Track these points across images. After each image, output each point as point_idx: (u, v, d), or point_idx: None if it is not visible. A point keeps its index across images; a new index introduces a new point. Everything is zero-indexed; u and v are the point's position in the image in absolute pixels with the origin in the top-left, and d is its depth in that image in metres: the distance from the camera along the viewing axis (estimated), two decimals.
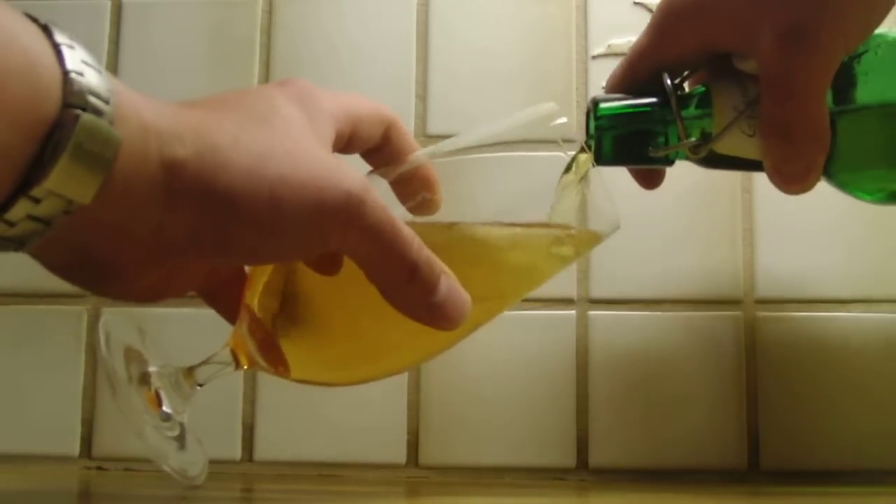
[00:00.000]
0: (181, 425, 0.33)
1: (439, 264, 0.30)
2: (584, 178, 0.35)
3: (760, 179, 0.49)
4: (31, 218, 0.24)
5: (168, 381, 0.33)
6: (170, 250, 0.28)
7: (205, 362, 0.34)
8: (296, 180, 0.27)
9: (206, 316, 0.48)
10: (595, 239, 0.36)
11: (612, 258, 0.48)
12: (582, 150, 0.36)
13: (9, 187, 0.23)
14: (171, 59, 0.52)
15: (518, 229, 0.34)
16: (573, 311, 0.48)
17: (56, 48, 0.24)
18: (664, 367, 0.47)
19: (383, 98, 0.50)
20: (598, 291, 0.48)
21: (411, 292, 0.30)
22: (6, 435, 0.49)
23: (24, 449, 0.49)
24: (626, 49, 0.50)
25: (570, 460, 0.47)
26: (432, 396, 0.48)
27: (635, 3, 0.51)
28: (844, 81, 0.35)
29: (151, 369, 0.33)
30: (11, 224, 0.24)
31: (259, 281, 0.34)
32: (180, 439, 0.33)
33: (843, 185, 0.37)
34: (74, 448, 0.49)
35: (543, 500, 0.37)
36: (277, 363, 0.34)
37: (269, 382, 0.48)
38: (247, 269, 0.35)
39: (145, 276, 0.29)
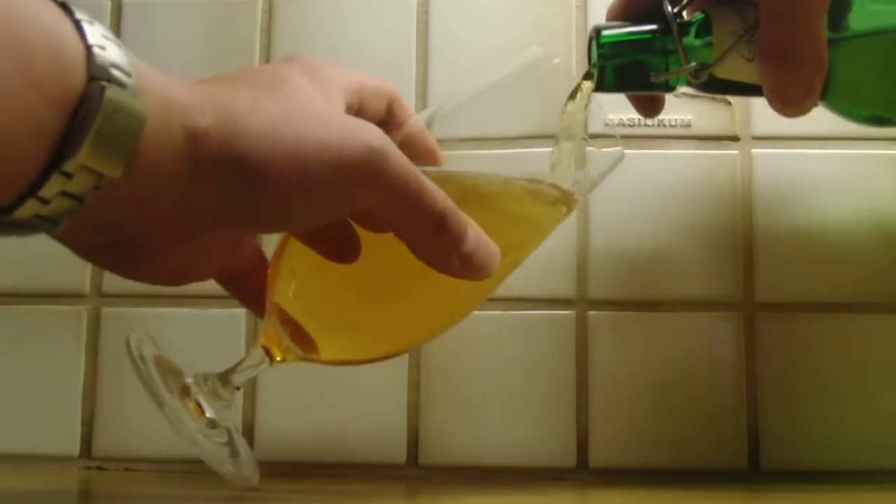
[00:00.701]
0: (227, 430, 0.34)
1: (464, 214, 0.30)
2: (587, 104, 0.37)
3: (760, 178, 0.49)
4: (63, 194, 0.24)
5: (207, 390, 0.34)
6: (198, 224, 0.28)
7: (238, 365, 0.35)
8: (316, 139, 0.28)
9: (206, 316, 0.48)
10: (593, 183, 0.38)
11: (611, 259, 0.48)
12: (585, 77, 0.36)
13: (42, 163, 0.23)
14: (171, 58, 0.52)
15: (526, 178, 0.35)
16: (573, 312, 0.48)
17: (76, 24, 0.24)
18: (664, 367, 0.47)
19: None
20: (597, 292, 0.48)
21: (441, 243, 0.30)
22: (6, 435, 0.49)
23: (24, 449, 0.49)
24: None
25: (570, 460, 0.47)
26: (432, 396, 0.48)
27: None
28: (839, 7, 0.36)
29: (188, 380, 0.34)
30: (45, 202, 0.24)
31: (281, 272, 0.34)
32: (230, 444, 0.34)
33: (836, 108, 0.38)
34: (74, 448, 0.49)
35: (543, 500, 0.37)
36: (311, 350, 0.35)
37: (269, 382, 0.48)
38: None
39: (173, 254, 0.29)
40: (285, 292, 0.35)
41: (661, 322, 0.48)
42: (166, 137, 0.26)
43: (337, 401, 0.48)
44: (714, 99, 0.49)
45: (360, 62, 0.51)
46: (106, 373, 0.49)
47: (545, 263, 0.47)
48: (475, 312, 0.38)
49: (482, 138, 0.39)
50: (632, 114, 0.48)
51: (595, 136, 0.39)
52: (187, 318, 0.49)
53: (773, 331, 0.48)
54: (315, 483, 0.45)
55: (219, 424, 0.33)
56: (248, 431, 0.48)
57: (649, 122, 0.49)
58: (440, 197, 0.30)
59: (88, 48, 0.24)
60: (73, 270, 0.49)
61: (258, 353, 0.35)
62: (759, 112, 0.49)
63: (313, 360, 0.35)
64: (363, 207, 0.29)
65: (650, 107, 0.41)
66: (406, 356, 0.48)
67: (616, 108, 0.48)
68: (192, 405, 0.33)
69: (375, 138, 0.28)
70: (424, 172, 0.30)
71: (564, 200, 0.36)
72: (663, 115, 0.49)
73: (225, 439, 0.34)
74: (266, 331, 0.35)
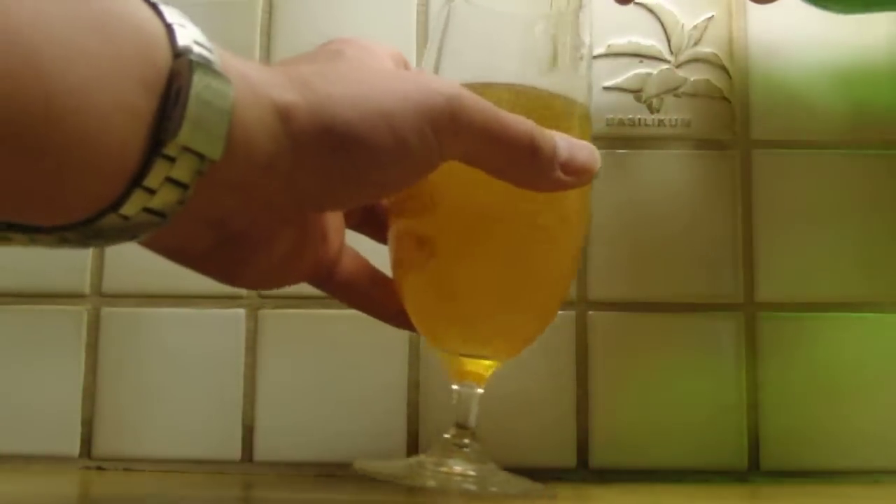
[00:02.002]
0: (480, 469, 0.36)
1: (544, 128, 0.30)
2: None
3: (761, 179, 0.49)
4: (169, 181, 0.23)
5: (448, 445, 0.36)
6: (303, 204, 0.28)
7: (465, 410, 0.37)
8: (396, 95, 0.27)
9: (206, 316, 0.48)
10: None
11: (611, 259, 0.48)
12: None
13: (142, 148, 0.23)
14: None
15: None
16: (573, 312, 0.48)
17: (152, 6, 0.24)
18: (664, 367, 0.47)
19: None
20: (597, 292, 0.48)
21: (540, 163, 0.30)
22: (6, 435, 0.49)
23: (24, 449, 0.49)
24: (626, 49, 0.50)
25: (570, 460, 0.47)
26: (432, 396, 0.48)
27: (635, 3, 0.51)
28: None
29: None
30: (151, 191, 0.23)
31: (408, 278, 0.36)
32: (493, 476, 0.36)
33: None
34: (74, 448, 0.49)
35: (543, 501, 0.37)
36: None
37: (269, 382, 0.48)
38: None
39: (277, 247, 0.29)
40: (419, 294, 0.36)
41: (661, 322, 0.48)
42: (256, 113, 0.25)
43: (337, 401, 0.48)
44: (714, 98, 0.49)
45: None
46: (106, 373, 0.49)
47: None
48: None
49: None
50: (632, 114, 0.49)
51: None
52: (187, 318, 0.49)
53: (773, 331, 0.48)
54: (315, 483, 0.45)
55: (473, 472, 0.35)
56: (248, 431, 0.48)
57: (649, 121, 0.49)
58: (520, 121, 0.29)
59: (169, 26, 0.24)
60: (73, 270, 0.49)
61: (466, 391, 0.37)
62: (759, 112, 0.49)
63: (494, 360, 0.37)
64: (454, 156, 0.29)
65: None
66: (406, 356, 0.48)
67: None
68: (447, 466, 0.35)
69: (449, 86, 0.28)
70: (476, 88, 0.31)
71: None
72: (663, 115, 0.49)
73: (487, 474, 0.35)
74: (450, 365, 0.37)
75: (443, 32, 0.37)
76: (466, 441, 0.36)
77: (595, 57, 0.51)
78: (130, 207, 0.23)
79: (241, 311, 0.49)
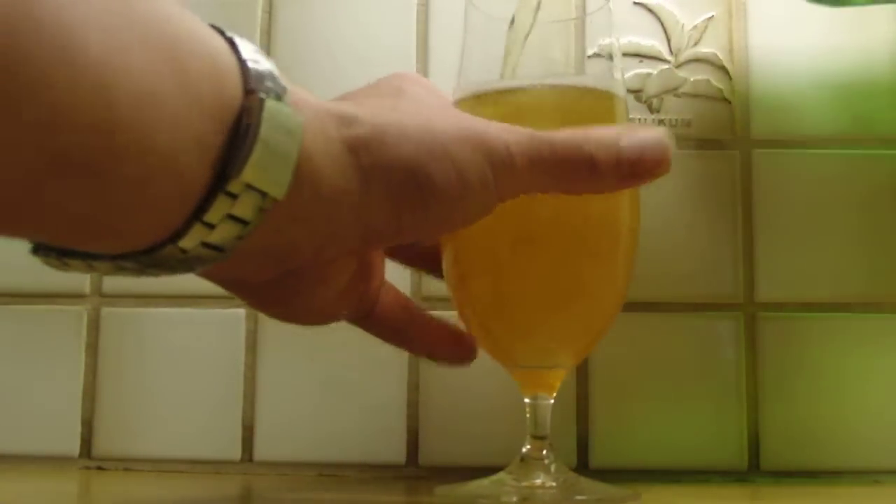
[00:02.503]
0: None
1: (582, 131, 0.30)
2: None
3: (761, 179, 0.49)
4: (230, 217, 0.23)
5: (527, 458, 0.37)
6: (369, 238, 0.27)
7: (536, 426, 0.37)
8: (459, 136, 0.28)
9: (206, 316, 0.48)
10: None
11: None
12: None
13: (206, 182, 0.22)
14: None
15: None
16: None
17: (229, 41, 0.24)
18: (664, 367, 0.47)
19: None
20: None
21: (606, 172, 0.29)
22: (6, 435, 0.49)
23: (24, 449, 0.49)
24: (626, 49, 0.50)
25: (569, 460, 0.47)
26: (432, 396, 0.48)
27: (635, 4, 0.51)
28: None
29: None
30: (211, 227, 0.23)
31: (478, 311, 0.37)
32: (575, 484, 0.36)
33: None
34: (74, 448, 0.49)
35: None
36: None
37: (269, 382, 0.48)
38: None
39: (339, 278, 0.29)
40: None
41: (661, 322, 0.48)
42: (325, 147, 0.25)
43: (337, 401, 0.48)
44: (714, 98, 0.49)
45: (360, 63, 0.51)
46: (106, 373, 0.49)
47: None
48: None
49: None
50: (632, 114, 0.49)
51: None
52: (187, 318, 0.49)
53: (773, 331, 0.47)
54: (315, 483, 0.45)
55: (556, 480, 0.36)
56: (248, 432, 0.48)
57: (649, 121, 0.49)
58: (571, 139, 0.29)
59: (243, 61, 0.24)
60: None
61: (539, 403, 0.37)
62: (759, 112, 0.49)
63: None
64: (513, 195, 0.29)
65: None
66: (406, 356, 0.48)
67: None
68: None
69: (504, 129, 0.29)
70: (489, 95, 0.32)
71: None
72: (663, 115, 0.49)
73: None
74: (524, 379, 0.38)
75: (464, 37, 0.38)
76: (544, 452, 0.37)
77: (590, 57, 0.50)
78: (189, 241, 0.23)
79: (241, 311, 0.49)
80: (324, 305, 0.31)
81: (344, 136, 0.26)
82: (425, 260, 0.38)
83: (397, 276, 0.48)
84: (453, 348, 0.37)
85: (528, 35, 0.36)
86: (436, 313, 0.49)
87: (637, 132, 0.30)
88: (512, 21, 0.36)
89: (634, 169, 0.29)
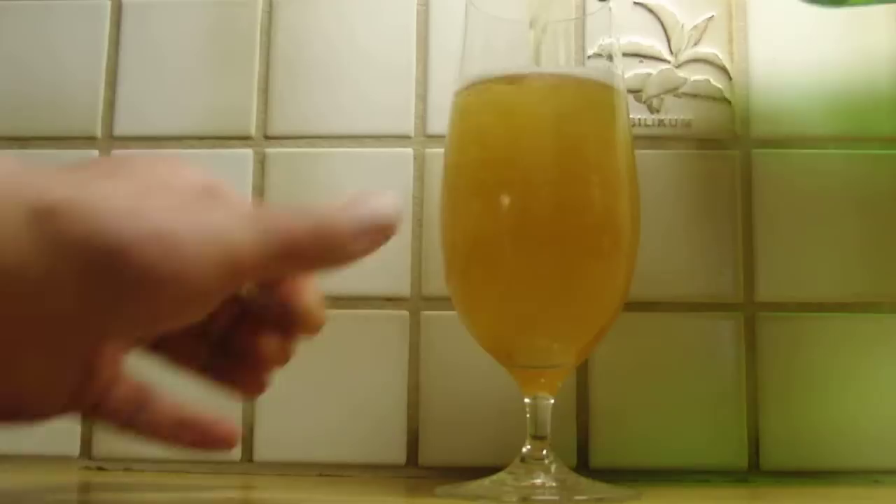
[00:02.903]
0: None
1: (313, 210, 0.27)
2: None
3: (761, 179, 0.49)
4: None
5: (527, 458, 0.37)
6: (55, 324, 0.23)
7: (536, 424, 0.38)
8: (187, 219, 0.24)
9: None
10: None
11: None
12: None
13: None
14: (171, 59, 0.52)
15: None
16: None
17: None
18: (664, 367, 0.47)
19: (383, 98, 0.51)
20: None
21: (337, 243, 0.26)
22: (6, 435, 0.49)
23: (24, 449, 0.49)
24: (626, 49, 0.50)
25: (569, 460, 0.47)
26: (432, 396, 0.48)
27: (635, 4, 0.51)
28: None
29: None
30: None
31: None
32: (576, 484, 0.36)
33: None
34: (74, 448, 0.49)
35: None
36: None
37: None
38: None
39: (27, 369, 0.24)
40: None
41: (661, 322, 0.48)
42: (10, 214, 0.22)
43: (337, 401, 0.48)
44: (714, 98, 0.49)
45: (360, 62, 0.51)
46: None
47: None
48: None
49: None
50: (632, 114, 0.49)
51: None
52: None
53: (773, 331, 0.47)
54: (315, 483, 0.45)
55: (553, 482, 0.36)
56: (249, 432, 0.48)
57: (649, 122, 0.49)
58: (303, 217, 0.26)
59: None
60: None
61: (539, 403, 0.38)
62: (759, 112, 0.49)
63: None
64: (247, 283, 0.26)
65: None
66: (406, 356, 0.48)
67: None
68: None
69: (243, 217, 0.25)
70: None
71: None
72: (663, 115, 0.49)
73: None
74: (524, 379, 0.38)
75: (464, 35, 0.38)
76: (544, 452, 0.37)
77: (589, 57, 0.51)
78: None
79: None
80: (10, 401, 0.25)
81: (35, 200, 0.22)
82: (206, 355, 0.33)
83: (397, 273, 0.48)
84: (201, 438, 0.32)
85: (544, 29, 0.36)
86: (436, 313, 0.49)
87: (368, 200, 0.28)
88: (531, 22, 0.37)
89: (369, 231, 0.27)
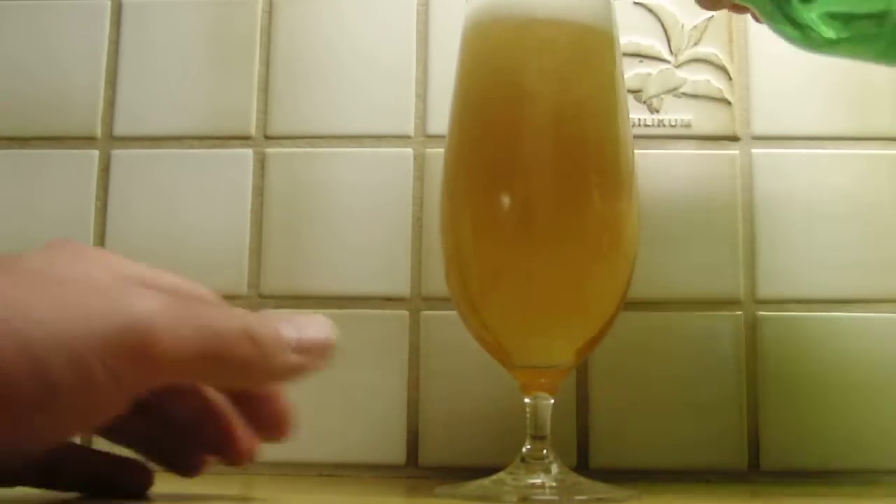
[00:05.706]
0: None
1: (246, 318, 0.25)
2: None
3: (761, 179, 0.49)
4: None
5: (527, 458, 0.37)
6: None
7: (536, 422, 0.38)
8: (66, 315, 0.21)
9: None
10: None
11: None
12: None
13: None
14: (171, 59, 0.52)
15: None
16: None
17: None
18: (664, 367, 0.47)
19: (383, 98, 0.51)
20: None
21: (264, 353, 0.25)
22: None
23: None
24: (626, 49, 0.50)
25: (569, 460, 0.47)
26: (432, 396, 0.48)
27: (635, 4, 0.51)
28: None
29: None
30: None
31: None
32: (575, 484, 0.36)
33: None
34: None
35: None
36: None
37: None
38: None
39: None
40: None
41: (661, 322, 0.48)
42: None
43: (336, 401, 0.48)
44: (714, 98, 0.50)
45: (360, 62, 0.51)
46: None
47: None
48: None
49: None
50: (632, 114, 0.49)
51: None
52: None
53: (773, 330, 0.47)
54: (315, 483, 0.45)
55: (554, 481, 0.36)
56: None
57: (649, 122, 0.49)
58: (229, 320, 0.24)
59: None
60: None
61: (538, 403, 0.37)
62: (760, 112, 0.49)
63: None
64: (149, 388, 0.23)
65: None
66: (406, 356, 0.48)
67: None
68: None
69: (145, 307, 0.22)
70: None
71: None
72: (663, 115, 0.49)
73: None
74: (524, 379, 0.38)
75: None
76: (544, 452, 0.37)
77: None
78: None
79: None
80: None
81: None
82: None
83: (397, 273, 0.48)
84: (126, 479, 0.32)
85: None
86: (436, 313, 0.49)
87: (300, 318, 0.27)
88: None
89: (298, 347, 0.26)
